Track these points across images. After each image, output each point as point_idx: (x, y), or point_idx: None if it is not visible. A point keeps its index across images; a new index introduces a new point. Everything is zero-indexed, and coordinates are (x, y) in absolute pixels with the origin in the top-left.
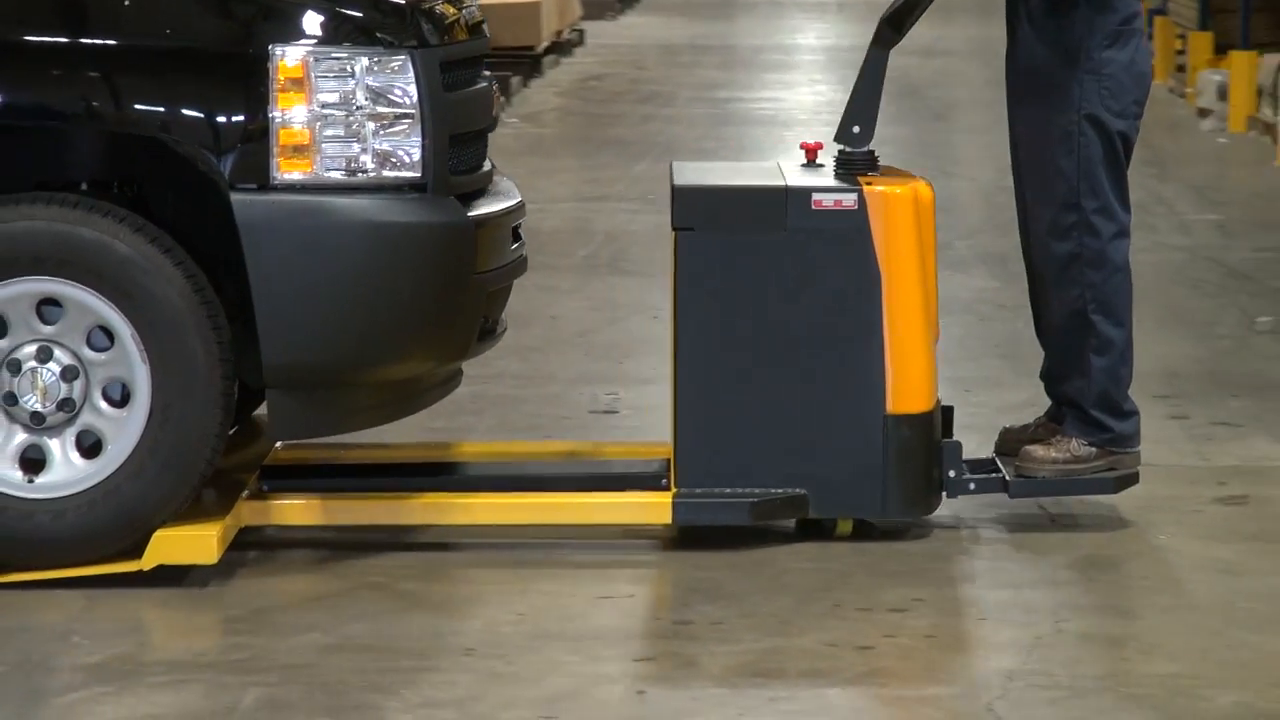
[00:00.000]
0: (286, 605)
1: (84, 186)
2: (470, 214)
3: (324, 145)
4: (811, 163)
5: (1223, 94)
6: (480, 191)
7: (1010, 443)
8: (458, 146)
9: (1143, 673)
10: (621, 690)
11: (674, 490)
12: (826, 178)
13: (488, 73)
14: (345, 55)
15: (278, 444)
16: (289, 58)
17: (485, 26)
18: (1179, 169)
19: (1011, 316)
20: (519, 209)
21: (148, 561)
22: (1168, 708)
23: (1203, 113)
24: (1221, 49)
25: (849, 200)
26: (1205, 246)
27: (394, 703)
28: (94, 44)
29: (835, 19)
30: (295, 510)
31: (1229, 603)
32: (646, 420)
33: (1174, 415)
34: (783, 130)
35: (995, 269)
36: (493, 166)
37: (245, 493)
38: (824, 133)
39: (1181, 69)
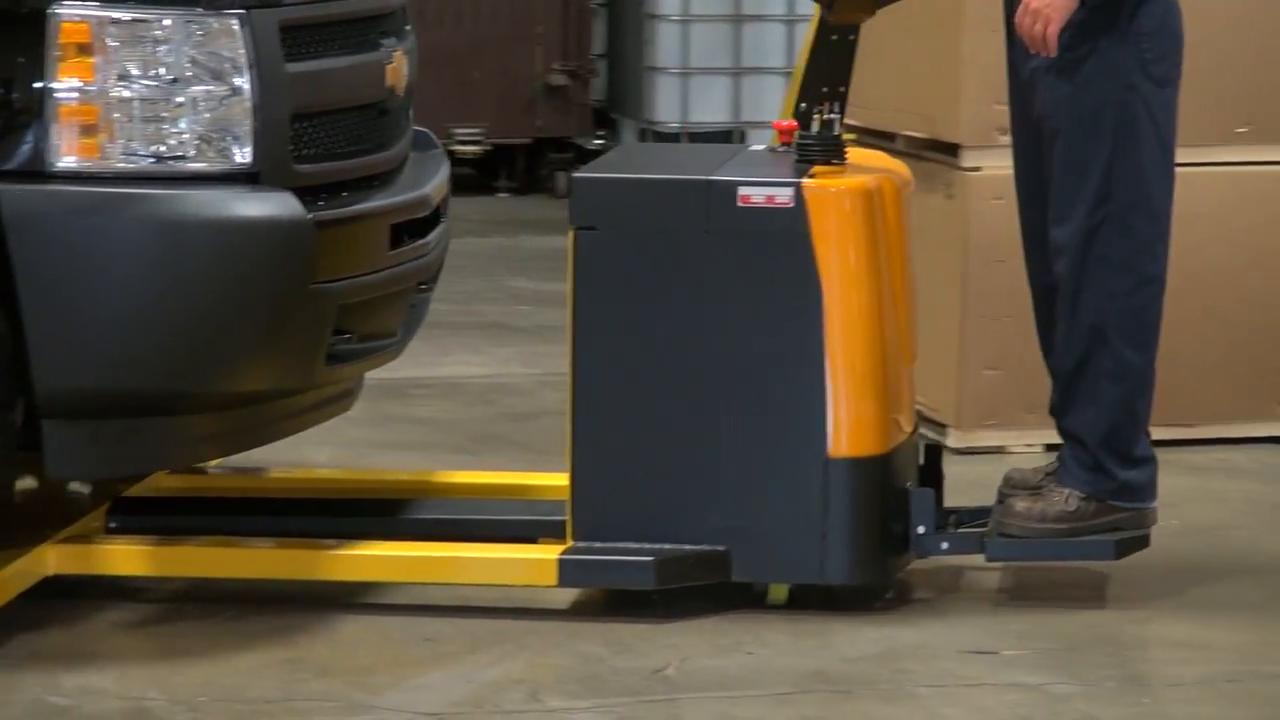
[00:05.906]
0: None
1: None
2: (315, 209)
3: (117, 126)
4: (783, 146)
5: None
6: (369, 181)
7: (1010, 488)
8: (316, 128)
9: None
10: None
11: (566, 544)
12: (780, 168)
13: (390, 39)
14: (148, 16)
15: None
16: (73, 17)
17: None
18: None
19: None
20: (416, 203)
21: None
22: None
23: None
24: None
25: (783, 196)
26: None
27: None
28: None
29: None
30: (109, 557)
31: None
32: None
33: None
34: None
35: None
36: (409, 150)
37: (57, 536)
38: None
39: None
